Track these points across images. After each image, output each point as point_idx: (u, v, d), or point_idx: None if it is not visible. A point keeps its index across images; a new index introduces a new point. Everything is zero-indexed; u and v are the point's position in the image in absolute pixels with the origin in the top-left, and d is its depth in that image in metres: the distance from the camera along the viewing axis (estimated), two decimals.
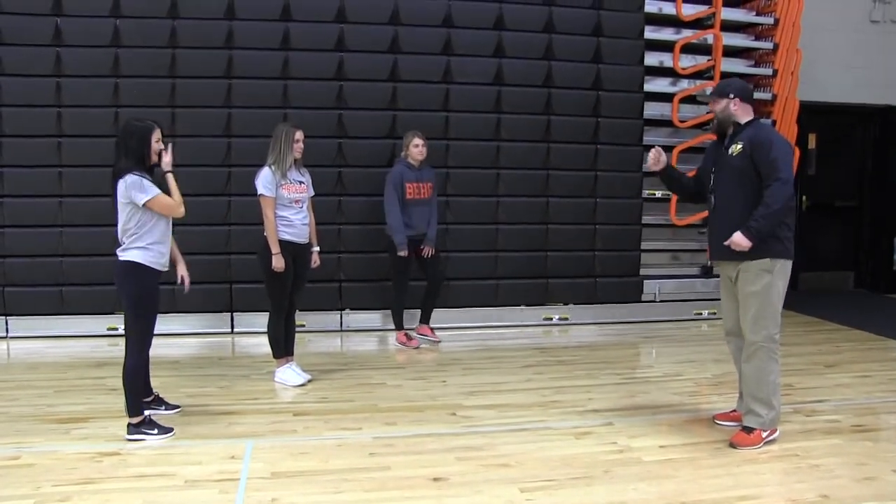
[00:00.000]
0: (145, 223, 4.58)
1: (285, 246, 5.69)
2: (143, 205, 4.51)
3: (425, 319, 7.28)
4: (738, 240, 4.44)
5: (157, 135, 4.66)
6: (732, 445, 4.59)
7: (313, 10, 7.57)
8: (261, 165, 5.84)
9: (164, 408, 5.09)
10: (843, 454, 4.53)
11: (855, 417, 5.19)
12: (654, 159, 4.93)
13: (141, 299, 4.62)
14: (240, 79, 7.44)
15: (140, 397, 4.76)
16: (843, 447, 4.64)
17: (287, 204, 5.72)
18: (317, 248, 6.07)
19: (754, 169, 4.50)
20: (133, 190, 4.49)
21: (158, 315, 4.83)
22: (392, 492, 4.00)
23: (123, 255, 4.60)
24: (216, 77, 7.40)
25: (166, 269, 4.78)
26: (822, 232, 10.61)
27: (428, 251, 7.06)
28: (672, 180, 5.10)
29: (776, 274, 4.53)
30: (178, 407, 5.14)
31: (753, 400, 4.63)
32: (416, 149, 6.89)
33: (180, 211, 4.66)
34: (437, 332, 7.37)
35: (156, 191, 4.53)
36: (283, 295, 5.78)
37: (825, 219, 10.64)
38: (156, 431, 4.68)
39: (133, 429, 4.66)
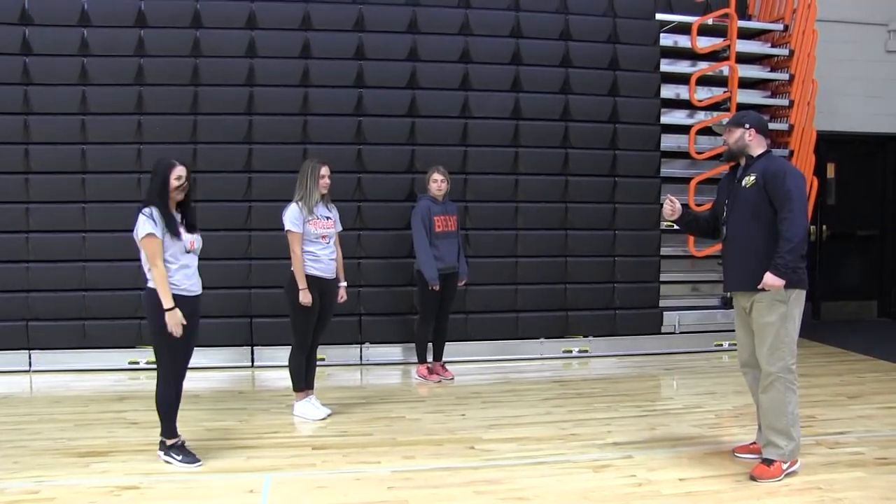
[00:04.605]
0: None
1: (312, 281, 5.74)
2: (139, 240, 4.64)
3: (438, 357, 7.27)
4: (772, 281, 4.41)
5: (176, 172, 4.72)
6: (753, 478, 4.53)
7: (333, 47, 7.70)
8: (281, 200, 5.91)
9: (181, 458, 4.82)
10: (867, 487, 4.46)
11: (879, 450, 5.11)
12: (670, 210, 4.90)
13: (162, 328, 4.66)
14: (260, 115, 7.56)
15: (171, 421, 4.83)
16: (867, 480, 4.57)
17: (314, 239, 5.78)
18: (344, 284, 6.11)
19: (768, 201, 4.51)
20: (136, 224, 4.65)
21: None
22: None
23: (149, 283, 4.70)
24: (237, 113, 7.53)
25: (193, 294, 4.80)
26: (843, 261, 10.54)
27: (464, 284, 7.25)
28: (690, 224, 5.10)
29: (791, 304, 4.51)
30: (198, 461, 4.82)
31: (772, 431, 4.58)
32: (435, 184, 6.92)
33: (154, 267, 4.61)
34: (458, 365, 7.40)
35: (151, 229, 4.59)
36: (308, 330, 5.82)
37: (847, 248, 10.58)
38: (180, 458, 4.79)
39: (164, 448, 4.84)
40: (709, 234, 5.13)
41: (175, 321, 4.62)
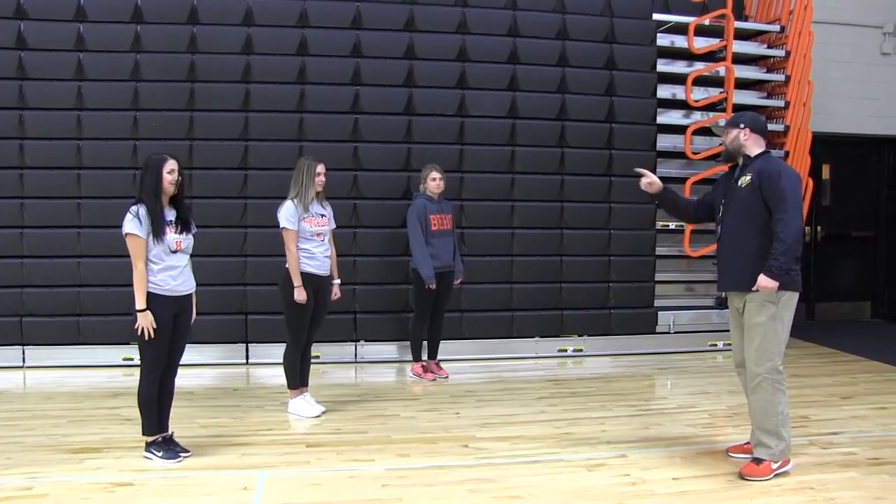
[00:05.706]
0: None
1: (307, 278, 5.74)
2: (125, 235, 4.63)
3: (433, 355, 7.27)
4: (765, 283, 4.42)
5: (168, 165, 4.69)
6: (742, 476, 4.55)
7: (329, 44, 7.69)
8: (277, 197, 5.90)
9: (161, 454, 4.81)
10: (859, 488, 4.47)
11: (872, 450, 5.13)
12: (648, 182, 4.94)
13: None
14: (257, 112, 7.54)
15: (151, 418, 4.79)
16: (860, 480, 4.59)
17: (309, 237, 5.78)
18: (337, 281, 6.11)
19: (762, 201, 4.51)
20: (124, 220, 4.62)
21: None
22: None
23: None
24: (233, 110, 7.51)
25: (179, 294, 4.76)
26: (838, 262, 10.59)
27: (460, 282, 7.25)
28: (667, 204, 5.12)
29: (781, 305, 4.52)
30: (187, 452, 4.89)
31: (762, 432, 4.60)
32: (434, 182, 6.92)
33: (134, 267, 4.62)
34: (453, 363, 7.40)
35: (134, 230, 4.58)
36: (303, 327, 5.81)
37: (841, 249, 10.63)
38: (160, 454, 4.78)
39: (146, 446, 4.81)
40: (684, 218, 5.24)
41: (146, 322, 4.61)
